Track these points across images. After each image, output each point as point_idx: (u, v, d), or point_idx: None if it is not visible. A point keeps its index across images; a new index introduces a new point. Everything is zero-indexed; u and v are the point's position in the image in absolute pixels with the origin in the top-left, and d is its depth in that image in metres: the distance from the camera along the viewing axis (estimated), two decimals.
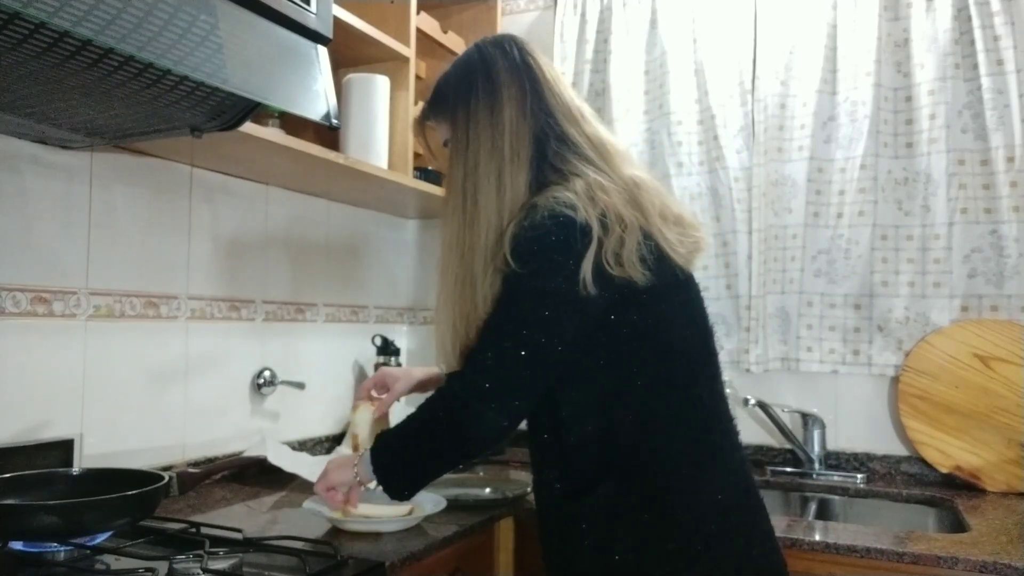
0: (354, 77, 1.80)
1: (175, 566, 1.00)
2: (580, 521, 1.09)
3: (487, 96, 1.17)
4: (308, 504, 1.35)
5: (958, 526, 1.55)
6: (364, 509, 1.28)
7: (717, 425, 1.15)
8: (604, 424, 1.08)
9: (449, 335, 1.14)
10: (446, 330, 1.14)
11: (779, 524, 1.48)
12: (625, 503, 1.07)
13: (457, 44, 2.18)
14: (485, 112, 1.16)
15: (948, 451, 1.84)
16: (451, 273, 1.14)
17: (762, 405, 1.99)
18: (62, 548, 1.08)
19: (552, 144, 1.15)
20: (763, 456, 2.05)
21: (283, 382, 1.89)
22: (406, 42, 1.89)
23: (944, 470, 1.84)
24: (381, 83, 1.81)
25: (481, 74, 1.19)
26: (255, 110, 1.22)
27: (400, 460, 1.13)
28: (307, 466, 1.71)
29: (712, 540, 1.06)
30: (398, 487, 1.13)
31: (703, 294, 1.22)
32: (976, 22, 1.83)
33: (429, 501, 1.42)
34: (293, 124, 1.62)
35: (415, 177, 1.95)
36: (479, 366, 1.08)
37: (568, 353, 1.06)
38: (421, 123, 1.27)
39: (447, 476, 1.61)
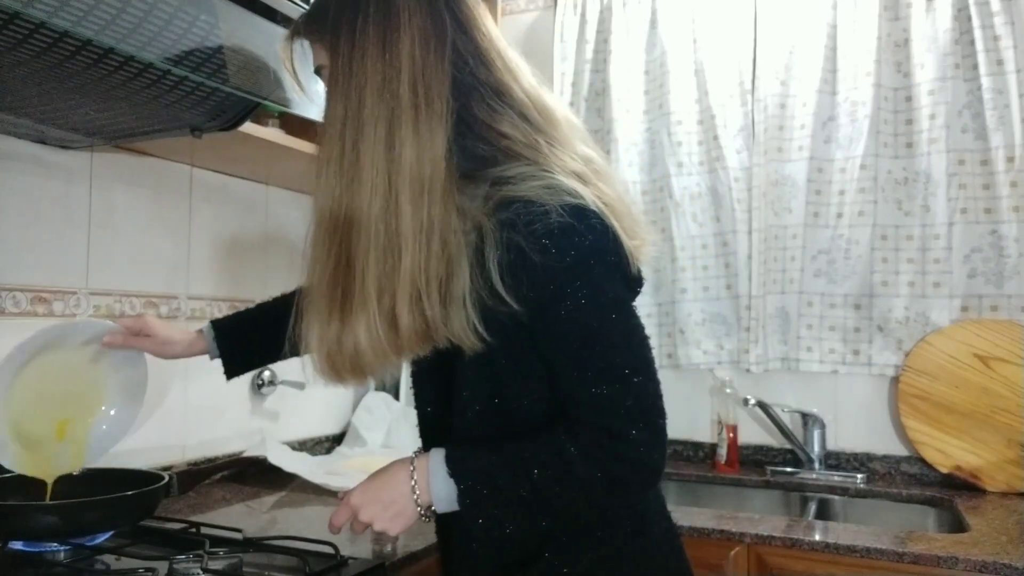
0: None
1: (175, 566, 1.00)
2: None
3: (379, 18, 0.89)
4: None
5: (958, 526, 1.55)
6: None
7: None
8: None
9: (323, 336, 0.88)
10: (319, 329, 0.88)
11: (779, 524, 1.48)
12: None
13: None
14: (375, 39, 0.88)
15: (948, 451, 1.84)
16: (324, 250, 0.88)
17: (762, 405, 1.99)
18: (62, 548, 1.08)
19: (485, 99, 0.91)
20: (763, 456, 2.06)
21: (283, 382, 1.89)
22: None
23: (944, 470, 1.84)
24: None
25: None
26: (255, 110, 1.22)
27: (530, 527, 0.89)
28: (307, 466, 1.71)
29: None
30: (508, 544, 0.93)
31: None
32: (976, 22, 1.83)
33: None
34: (293, 124, 1.62)
35: None
36: (619, 414, 0.84)
37: None
38: (290, 40, 0.97)
39: None
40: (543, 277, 0.84)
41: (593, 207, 0.86)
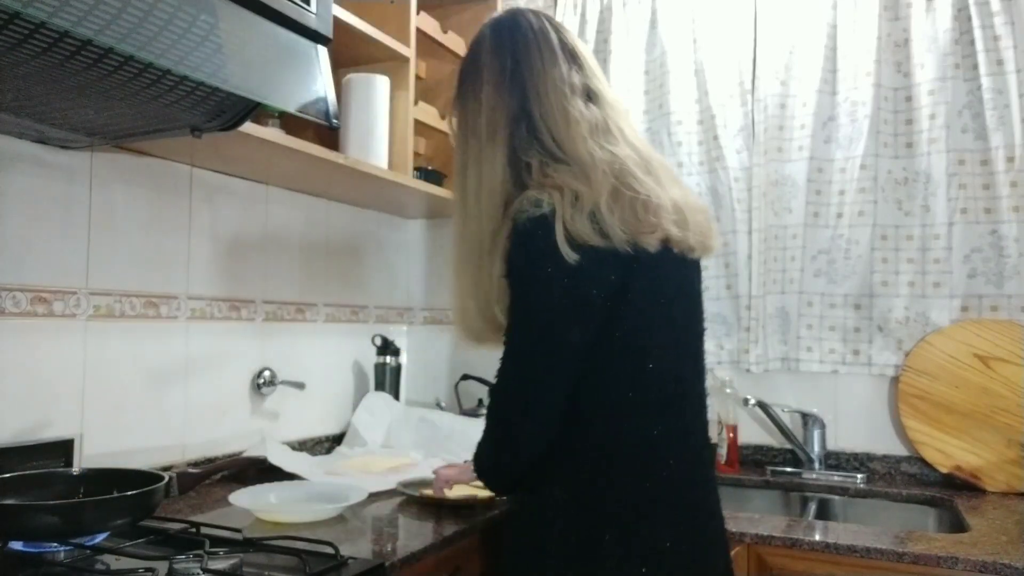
0: (354, 77, 1.80)
1: (175, 566, 1.00)
2: (515, 533, 1.13)
3: (472, 78, 1.18)
4: (234, 498, 1.39)
5: (958, 526, 1.55)
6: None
7: (675, 466, 1.07)
8: (562, 449, 1.06)
9: (459, 309, 1.19)
10: (457, 304, 1.20)
11: (779, 524, 1.48)
12: (560, 538, 1.04)
13: (457, 44, 2.18)
14: (471, 94, 1.17)
15: (948, 451, 1.84)
16: (457, 261, 1.18)
17: (762, 405, 1.99)
18: (62, 548, 1.08)
19: (523, 129, 1.12)
20: (763, 456, 2.06)
21: (283, 382, 1.89)
22: (406, 42, 1.89)
23: (944, 470, 1.84)
24: (381, 83, 1.81)
25: (471, 56, 1.20)
26: (255, 110, 1.22)
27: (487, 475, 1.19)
28: (307, 466, 1.71)
29: None
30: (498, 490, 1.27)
31: (703, 295, 1.18)
32: (976, 22, 1.84)
33: (353, 491, 1.45)
34: (293, 124, 1.62)
35: (415, 177, 1.95)
36: (492, 390, 1.11)
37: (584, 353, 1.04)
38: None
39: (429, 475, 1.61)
40: (510, 275, 1.06)
41: (546, 209, 1.01)
